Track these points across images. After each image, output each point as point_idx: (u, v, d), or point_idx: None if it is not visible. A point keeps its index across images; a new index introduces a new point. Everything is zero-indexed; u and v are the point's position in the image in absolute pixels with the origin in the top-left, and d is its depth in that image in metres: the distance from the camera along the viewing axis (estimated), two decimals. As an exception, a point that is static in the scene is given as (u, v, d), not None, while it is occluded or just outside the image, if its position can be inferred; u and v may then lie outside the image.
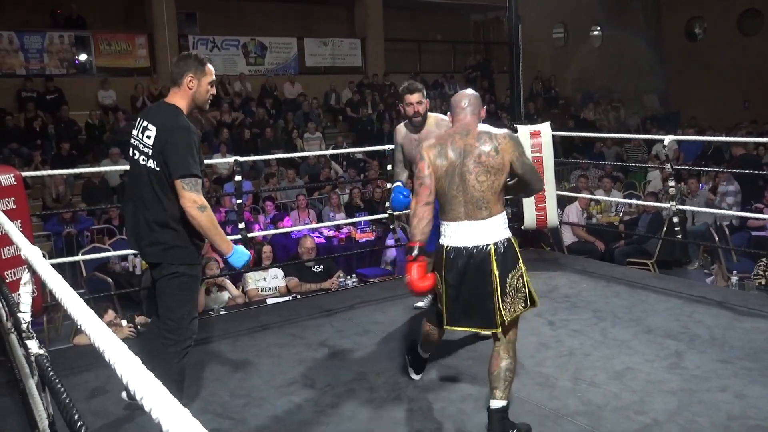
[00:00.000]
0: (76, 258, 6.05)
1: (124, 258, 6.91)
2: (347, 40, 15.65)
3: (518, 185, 2.87)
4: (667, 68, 16.89)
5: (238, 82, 13.45)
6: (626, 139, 12.65)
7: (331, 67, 15.35)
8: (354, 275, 6.06)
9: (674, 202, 5.14)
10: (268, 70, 14.32)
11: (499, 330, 2.74)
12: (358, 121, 13.79)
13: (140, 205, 2.79)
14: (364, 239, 7.69)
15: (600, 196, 8.55)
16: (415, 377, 3.40)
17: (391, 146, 5.55)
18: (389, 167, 4.83)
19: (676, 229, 5.42)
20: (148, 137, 2.74)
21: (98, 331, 1.13)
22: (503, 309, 2.71)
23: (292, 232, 7.04)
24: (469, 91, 2.96)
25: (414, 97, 3.81)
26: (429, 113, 3.92)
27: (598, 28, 18.69)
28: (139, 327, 4.37)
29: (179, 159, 2.67)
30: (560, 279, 5.18)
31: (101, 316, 4.12)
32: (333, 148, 11.51)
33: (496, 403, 2.73)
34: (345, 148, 11.12)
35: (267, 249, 6.10)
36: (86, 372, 3.63)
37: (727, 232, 7.45)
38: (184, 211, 2.68)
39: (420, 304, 4.45)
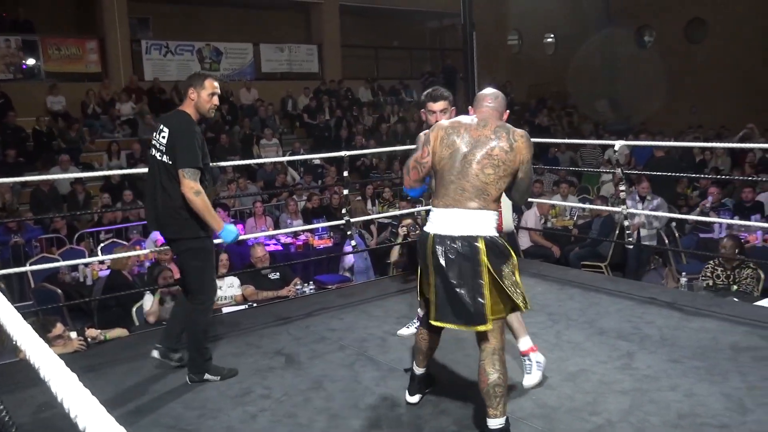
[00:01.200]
0: (23, 269, 5.86)
1: (75, 268, 6.74)
2: (304, 45, 15.62)
3: (511, 189, 2.79)
4: (618, 75, 17.30)
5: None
6: (580, 144, 12.90)
7: (287, 72, 15.29)
8: (311, 282, 6.02)
9: (625, 206, 5.25)
10: (224, 76, 14.17)
11: (489, 327, 2.63)
12: (315, 128, 13.74)
13: (157, 193, 3.38)
14: (321, 246, 7.65)
15: (555, 201, 8.69)
16: (409, 399, 3.14)
17: (349, 152, 5.56)
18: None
19: (626, 232, 5.53)
20: (163, 137, 3.35)
21: (34, 346, 1.08)
22: (492, 307, 2.61)
23: (248, 239, 6.95)
24: (496, 90, 2.95)
25: (438, 106, 3.61)
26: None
27: (552, 36, 19.07)
28: (89, 340, 4.25)
29: (183, 153, 3.28)
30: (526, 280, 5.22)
31: (49, 330, 4.02)
32: (290, 155, 11.45)
33: (492, 423, 2.66)
34: (302, 154, 11.06)
35: (223, 257, 6.02)
36: (33, 387, 3.51)
37: (677, 234, 7.66)
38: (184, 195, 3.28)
39: (402, 332, 4.14)
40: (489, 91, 2.93)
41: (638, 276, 6.84)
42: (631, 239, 5.97)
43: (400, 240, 6.19)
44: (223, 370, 3.65)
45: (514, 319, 3.29)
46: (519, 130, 2.76)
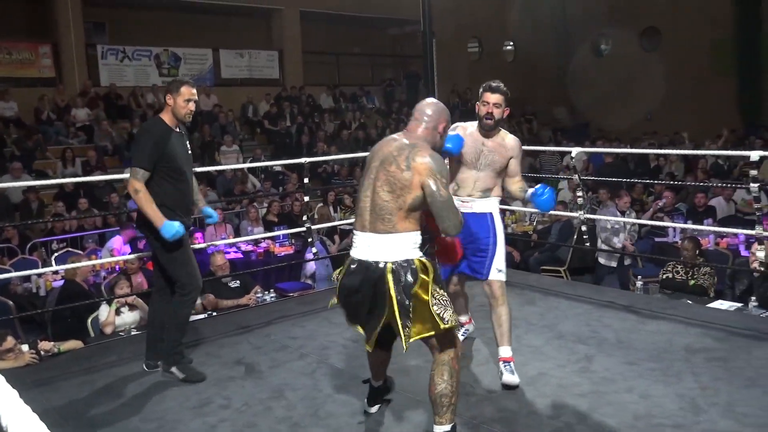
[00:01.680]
0: (-28, 280, 5.68)
1: (27, 279, 6.56)
2: (264, 51, 15.52)
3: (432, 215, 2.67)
4: (576, 82, 17.63)
5: (150, 94, 13.05)
6: (539, 151, 13.10)
7: (248, 78, 15.17)
8: (272, 290, 5.96)
9: (582, 212, 5.34)
10: (183, 82, 13.96)
11: (406, 346, 2.61)
12: (276, 134, 13.66)
13: None
14: (282, 253, 7.59)
15: (515, 207, 8.79)
16: (368, 410, 3.12)
17: (310, 159, 5.54)
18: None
19: (584, 237, 5.63)
20: None
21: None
22: (403, 333, 2.57)
23: (207, 247, 6.86)
24: (433, 101, 2.84)
25: (493, 98, 3.48)
26: (507, 133, 3.61)
27: (511, 43, 19.34)
28: (42, 353, 4.13)
29: (133, 153, 3.60)
30: (477, 288, 5.23)
31: (-1, 343, 3.89)
32: (251, 161, 11.34)
33: (437, 429, 2.68)
34: (263, 160, 10.98)
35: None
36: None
37: (634, 238, 7.81)
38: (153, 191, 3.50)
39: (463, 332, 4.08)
40: (423, 102, 2.83)
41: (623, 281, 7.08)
42: (587, 244, 6.07)
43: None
44: (192, 370, 3.66)
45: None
46: (424, 151, 2.61)
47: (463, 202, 3.49)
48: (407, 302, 2.56)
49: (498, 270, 3.48)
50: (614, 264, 7.45)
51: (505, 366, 3.42)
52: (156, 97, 13.01)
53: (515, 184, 3.61)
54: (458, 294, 3.87)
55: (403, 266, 2.58)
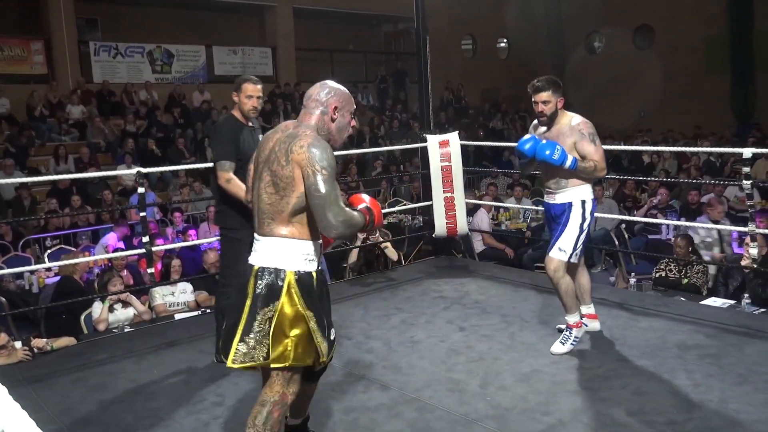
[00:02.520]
0: (-36, 277, 5.65)
1: (20, 275, 6.53)
2: (258, 48, 15.46)
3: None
4: (570, 79, 17.63)
5: (143, 91, 13.00)
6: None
7: (241, 75, 15.09)
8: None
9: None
10: (176, 78, 13.93)
11: (229, 365, 2.31)
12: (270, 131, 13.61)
13: None
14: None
15: (509, 204, 8.81)
16: None
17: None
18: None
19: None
20: None
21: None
22: (237, 347, 2.27)
23: (201, 245, 6.84)
24: (324, 82, 2.45)
25: (540, 96, 3.60)
26: (565, 111, 3.69)
27: (505, 41, 19.35)
28: (36, 350, 4.11)
29: (213, 149, 3.79)
30: (471, 285, 5.28)
31: (-9, 340, 3.87)
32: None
33: None
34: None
35: (176, 263, 5.91)
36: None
37: (627, 236, 7.84)
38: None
39: (556, 350, 3.79)
40: (314, 86, 2.44)
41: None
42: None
43: (358, 243, 6.16)
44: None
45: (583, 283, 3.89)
46: (306, 137, 2.27)
47: (546, 195, 3.83)
48: (258, 317, 2.26)
49: (559, 249, 3.67)
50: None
51: (566, 330, 3.79)
52: (149, 94, 12.95)
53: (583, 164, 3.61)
54: (575, 272, 3.89)
55: (274, 275, 2.28)
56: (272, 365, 2.28)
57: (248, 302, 2.29)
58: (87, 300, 5.13)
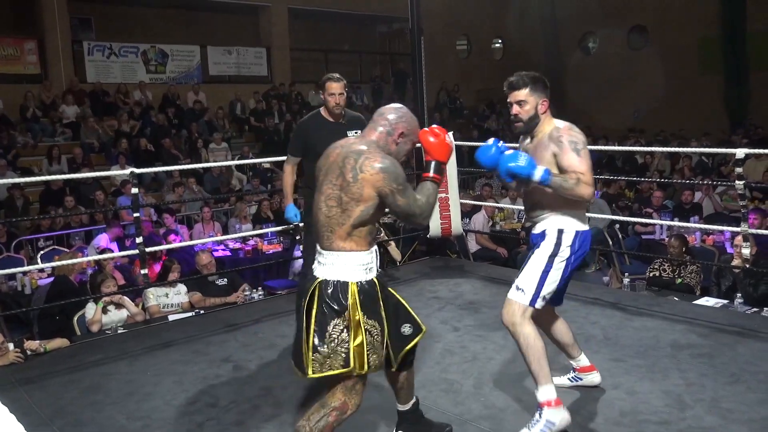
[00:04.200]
0: (-44, 278, 5.62)
1: (12, 276, 6.50)
2: (252, 48, 15.44)
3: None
4: (564, 80, 17.69)
5: (137, 91, 12.96)
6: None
7: (236, 75, 15.09)
8: (260, 288, 5.94)
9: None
10: (170, 78, 13.90)
11: (309, 376, 2.35)
12: (265, 131, 13.60)
13: None
14: (271, 251, 7.57)
15: (504, 204, 8.82)
16: None
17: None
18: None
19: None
20: None
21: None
22: (312, 359, 2.33)
23: (195, 245, 6.83)
24: (397, 106, 2.52)
25: (515, 95, 2.90)
26: (551, 117, 2.91)
27: (500, 41, 19.37)
28: (29, 351, 4.09)
29: None
30: (465, 285, 5.29)
31: (-17, 341, 3.85)
32: (239, 159, 11.29)
33: None
34: (251, 158, 10.93)
35: (176, 267, 5.88)
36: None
37: (620, 236, 7.86)
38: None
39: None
40: (385, 107, 2.52)
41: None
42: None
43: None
44: None
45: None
46: (374, 156, 2.32)
47: (530, 224, 3.06)
48: (328, 328, 2.32)
49: (517, 288, 2.86)
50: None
51: (535, 413, 2.85)
52: (143, 94, 12.92)
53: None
54: (547, 323, 3.21)
55: (337, 286, 2.35)
56: (340, 371, 2.35)
57: (314, 313, 2.35)
58: (80, 301, 5.11)
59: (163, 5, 14.52)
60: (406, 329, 2.56)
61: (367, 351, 2.35)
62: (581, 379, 3.27)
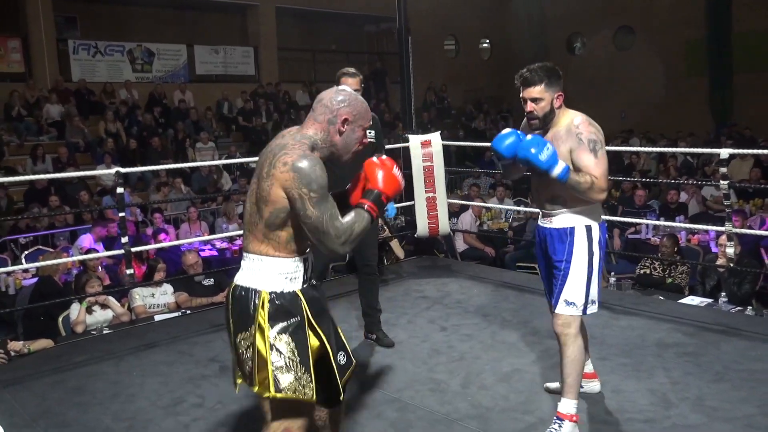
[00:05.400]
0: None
1: (-4, 277, 6.44)
2: (240, 48, 15.38)
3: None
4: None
5: (123, 90, 12.87)
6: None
7: (223, 75, 15.03)
8: (247, 288, 5.91)
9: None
10: (156, 78, 13.82)
11: (237, 387, 2.19)
12: (252, 131, 13.56)
13: None
14: (258, 250, 7.52)
15: (491, 204, 8.85)
16: None
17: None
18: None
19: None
20: None
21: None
22: (237, 370, 2.16)
23: (181, 245, 6.79)
24: (337, 88, 2.19)
25: (530, 92, 2.74)
26: (566, 109, 2.80)
27: (487, 41, 19.42)
28: (12, 353, 4.05)
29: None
30: (453, 285, 5.29)
31: (-33, 342, 3.81)
32: (226, 158, 11.24)
33: None
34: (238, 158, 10.88)
35: (161, 267, 5.84)
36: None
37: (606, 235, 7.89)
38: None
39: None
40: (324, 92, 2.16)
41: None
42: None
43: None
44: (383, 335, 4.04)
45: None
46: (293, 153, 1.99)
47: (541, 217, 2.91)
48: (237, 340, 2.10)
49: (566, 302, 2.75)
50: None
51: (554, 423, 2.79)
52: (129, 93, 12.83)
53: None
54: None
55: (248, 295, 2.07)
56: (263, 394, 2.09)
57: (230, 325, 2.13)
58: (65, 302, 5.07)
59: (150, 4, 14.41)
60: (342, 358, 2.19)
61: (274, 371, 2.02)
62: (582, 387, 3.01)
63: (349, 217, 2.06)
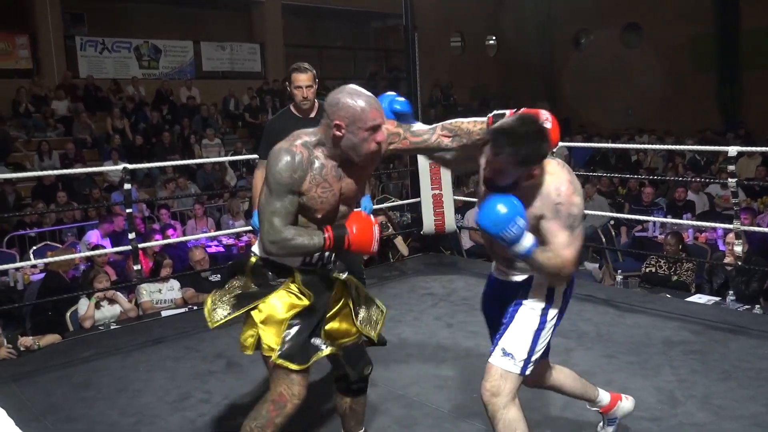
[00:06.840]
0: (-53, 274, 5.59)
1: (4, 272, 6.46)
2: (246, 44, 15.39)
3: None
4: (558, 77, 17.71)
5: (130, 86, 12.91)
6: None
7: (229, 71, 15.05)
8: (254, 284, 5.93)
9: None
10: (163, 74, 13.84)
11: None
12: (258, 128, 13.56)
13: None
14: (264, 247, 7.54)
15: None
16: None
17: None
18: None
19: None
20: None
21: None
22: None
23: (188, 241, 6.81)
24: (341, 89, 2.13)
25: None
26: (550, 164, 2.16)
27: (494, 38, 19.36)
28: (22, 348, 4.08)
29: None
30: (459, 282, 5.29)
31: (-26, 337, 3.83)
32: (232, 155, 11.26)
33: None
34: (244, 154, 10.89)
35: (168, 263, 5.86)
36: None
37: (613, 233, 7.88)
38: None
39: None
40: (332, 92, 2.15)
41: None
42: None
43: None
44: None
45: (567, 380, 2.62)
46: (283, 142, 2.14)
47: (495, 269, 2.51)
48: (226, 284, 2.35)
49: (503, 352, 2.25)
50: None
51: (606, 421, 2.74)
52: (136, 90, 12.86)
53: None
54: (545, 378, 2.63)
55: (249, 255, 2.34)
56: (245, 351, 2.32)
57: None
58: (73, 297, 5.09)
59: (157, 0, 14.46)
60: (317, 341, 2.29)
61: (216, 306, 2.28)
62: (616, 419, 2.73)
63: (298, 229, 2.13)
